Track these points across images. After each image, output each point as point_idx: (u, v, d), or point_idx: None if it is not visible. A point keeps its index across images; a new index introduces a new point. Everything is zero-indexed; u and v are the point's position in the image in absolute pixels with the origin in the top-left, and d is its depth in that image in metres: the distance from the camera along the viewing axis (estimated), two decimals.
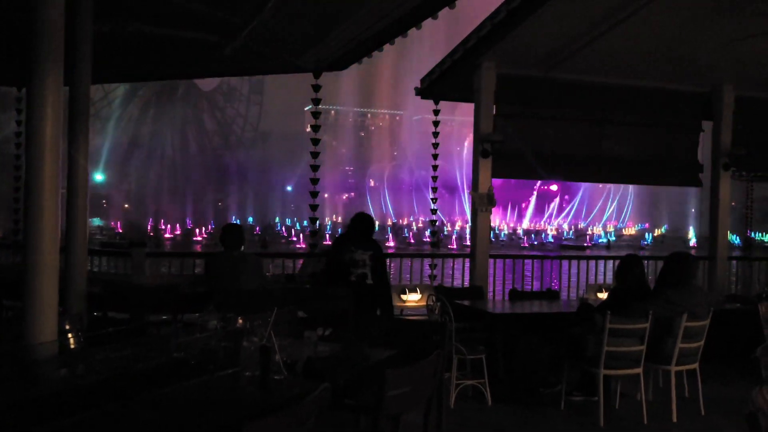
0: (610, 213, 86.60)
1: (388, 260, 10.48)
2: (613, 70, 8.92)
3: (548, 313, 6.87)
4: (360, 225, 6.93)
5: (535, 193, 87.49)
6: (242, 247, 6.86)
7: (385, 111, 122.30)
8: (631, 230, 76.91)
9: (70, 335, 3.50)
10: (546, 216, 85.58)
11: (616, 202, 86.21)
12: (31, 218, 3.84)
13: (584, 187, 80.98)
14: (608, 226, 77.18)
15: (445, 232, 54.30)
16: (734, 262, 11.83)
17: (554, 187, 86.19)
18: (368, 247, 6.77)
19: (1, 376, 2.93)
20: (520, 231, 66.09)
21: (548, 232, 65.89)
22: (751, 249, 16.95)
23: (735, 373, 6.73)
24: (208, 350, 3.23)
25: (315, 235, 9.67)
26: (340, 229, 56.57)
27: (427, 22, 6.51)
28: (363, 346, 3.76)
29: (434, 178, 10.45)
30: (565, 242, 52.63)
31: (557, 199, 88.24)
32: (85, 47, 5.66)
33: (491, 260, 9.11)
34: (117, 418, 2.55)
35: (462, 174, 71.94)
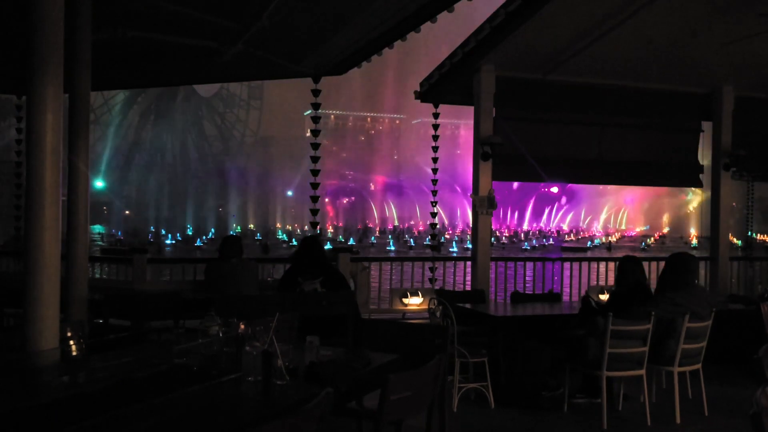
0: (607, 216, 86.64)
1: (389, 264, 10.55)
2: (613, 72, 8.92)
3: (550, 316, 6.86)
4: (304, 253, 6.65)
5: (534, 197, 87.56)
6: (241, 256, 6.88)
7: (386, 115, 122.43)
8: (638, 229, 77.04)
9: (71, 342, 3.49)
10: (545, 218, 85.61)
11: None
12: (32, 226, 3.83)
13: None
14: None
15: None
16: (735, 262, 11.82)
17: (554, 189, 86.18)
18: (317, 273, 6.45)
19: (2, 384, 2.93)
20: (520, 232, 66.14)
21: (549, 234, 65.96)
22: (752, 249, 16.92)
23: (738, 373, 6.72)
24: (210, 356, 3.23)
25: None
26: (341, 236, 56.59)
27: (428, 26, 6.52)
28: (365, 351, 3.75)
29: (434, 182, 10.45)
30: (565, 244, 52.62)
31: (562, 202, 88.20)
32: (85, 54, 5.67)
33: (492, 263, 9.10)
34: (119, 425, 2.54)
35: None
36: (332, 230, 66.70)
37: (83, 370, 3.01)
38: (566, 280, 10.51)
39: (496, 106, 8.63)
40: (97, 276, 10.27)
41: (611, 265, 10.40)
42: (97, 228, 59.12)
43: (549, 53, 8.26)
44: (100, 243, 45.10)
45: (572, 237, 65.28)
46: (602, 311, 5.81)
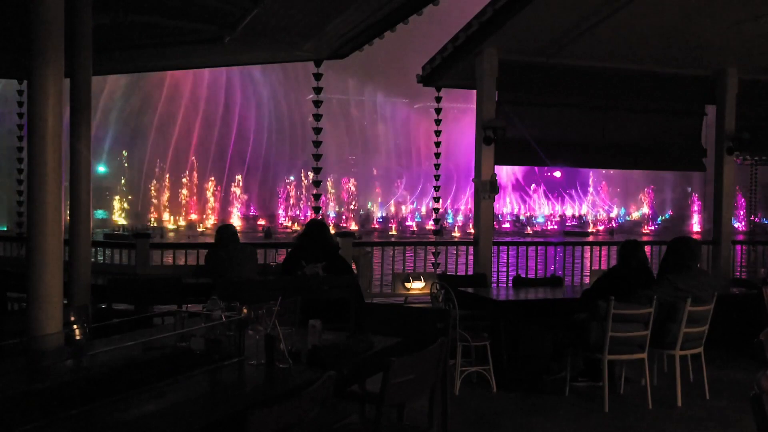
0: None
1: (391, 248, 10.54)
2: (616, 55, 8.88)
3: (552, 300, 6.87)
4: (310, 235, 6.64)
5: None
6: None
7: (388, 99, 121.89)
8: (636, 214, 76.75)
9: (75, 327, 3.51)
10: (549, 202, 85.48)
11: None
12: (34, 211, 3.84)
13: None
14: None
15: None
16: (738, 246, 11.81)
17: (557, 174, 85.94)
18: (321, 257, 6.44)
19: (7, 367, 2.95)
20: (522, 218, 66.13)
21: (553, 218, 65.96)
22: (754, 233, 16.92)
23: (739, 357, 6.74)
24: (213, 340, 3.24)
25: None
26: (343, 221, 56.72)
27: (431, 9, 6.48)
28: (367, 335, 3.76)
29: (437, 166, 10.44)
30: (568, 228, 52.61)
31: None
32: (86, 39, 5.65)
33: (495, 247, 9.11)
34: (122, 408, 2.56)
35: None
36: (334, 215, 66.70)
37: (87, 354, 3.02)
38: (568, 264, 10.50)
39: (499, 90, 8.59)
40: (100, 260, 10.28)
41: (614, 249, 10.41)
42: (100, 213, 59.20)
43: (552, 36, 8.21)
44: (101, 228, 45.21)
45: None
46: (599, 293, 5.81)
